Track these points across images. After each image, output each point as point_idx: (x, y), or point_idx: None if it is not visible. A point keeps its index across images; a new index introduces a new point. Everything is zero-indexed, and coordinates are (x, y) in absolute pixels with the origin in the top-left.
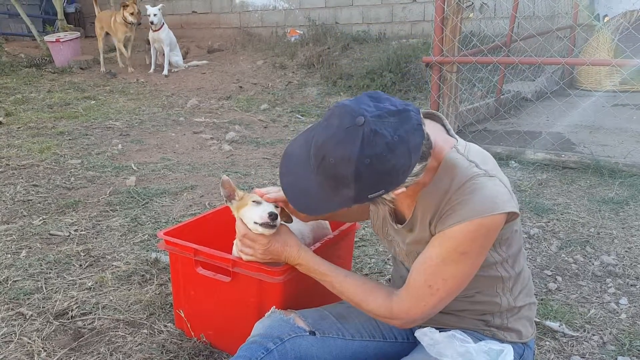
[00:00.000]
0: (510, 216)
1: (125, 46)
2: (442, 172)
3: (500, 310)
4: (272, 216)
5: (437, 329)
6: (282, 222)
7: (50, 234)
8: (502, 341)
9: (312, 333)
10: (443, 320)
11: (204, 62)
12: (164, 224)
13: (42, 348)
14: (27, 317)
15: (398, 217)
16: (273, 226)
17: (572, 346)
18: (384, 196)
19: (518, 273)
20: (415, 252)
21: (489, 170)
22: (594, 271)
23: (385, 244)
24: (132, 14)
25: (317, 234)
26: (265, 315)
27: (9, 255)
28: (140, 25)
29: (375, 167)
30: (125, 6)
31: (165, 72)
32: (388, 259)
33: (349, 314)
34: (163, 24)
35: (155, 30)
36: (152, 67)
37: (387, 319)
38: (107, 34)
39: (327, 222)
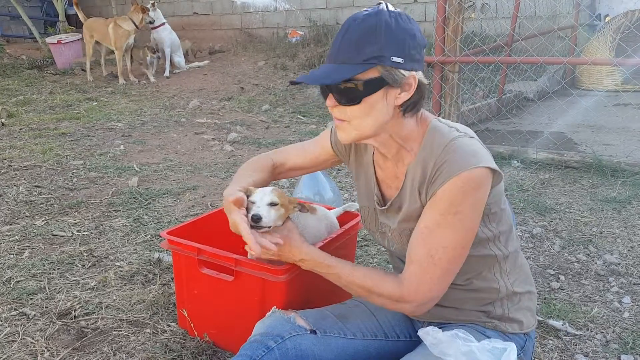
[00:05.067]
0: (496, 178)
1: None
2: (427, 139)
3: (500, 296)
4: (255, 218)
5: (439, 325)
6: (290, 219)
7: (52, 235)
8: (504, 333)
9: (313, 332)
10: (444, 314)
11: (205, 62)
12: (166, 224)
13: (45, 348)
14: (30, 317)
15: (386, 202)
16: (256, 227)
17: (576, 345)
18: (403, 72)
19: (512, 253)
20: (408, 229)
21: (468, 132)
22: (596, 270)
23: (378, 237)
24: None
25: (331, 231)
26: (266, 315)
27: (12, 256)
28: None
29: (402, 24)
30: (144, 9)
31: (166, 73)
32: None
33: (350, 314)
34: (163, 23)
35: (154, 28)
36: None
37: (398, 304)
38: (97, 42)
39: (336, 220)
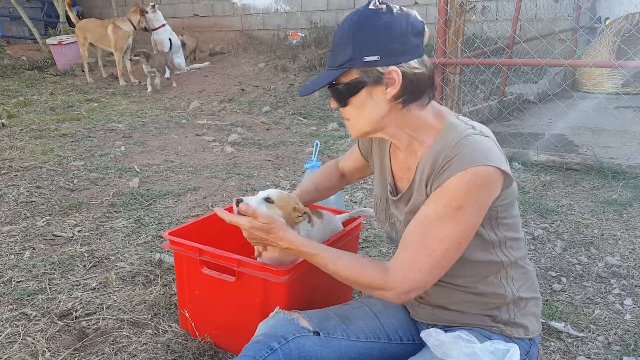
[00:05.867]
0: (506, 181)
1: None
2: (442, 134)
3: (506, 302)
4: (238, 201)
5: (444, 328)
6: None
7: (54, 235)
8: (509, 337)
9: (317, 333)
10: (449, 317)
11: (206, 64)
12: (167, 225)
13: (47, 348)
14: (31, 318)
15: (398, 192)
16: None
17: (578, 347)
18: (379, 69)
19: (518, 260)
20: None
21: (484, 131)
22: (598, 272)
23: (387, 228)
24: (145, 19)
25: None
26: (269, 315)
27: (13, 256)
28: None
29: (373, 20)
30: (143, 12)
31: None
32: None
33: (354, 315)
34: (164, 24)
35: (154, 29)
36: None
37: (382, 291)
38: (91, 44)
39: (341, 225)
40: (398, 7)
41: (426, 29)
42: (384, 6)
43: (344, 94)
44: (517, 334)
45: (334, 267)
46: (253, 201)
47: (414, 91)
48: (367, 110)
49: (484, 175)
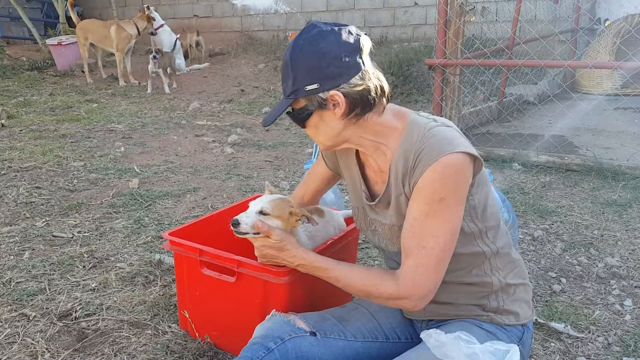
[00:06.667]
0: (477, 164)
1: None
2: (407, 132)
3: (494, 290)
4: (233, 222)
5: (438, 323)
6: (277, 226)
7: (53, 236)
8: (500, 325)
9: (313, 334)
10: (440, 310)
11: (206, 65)
12: (167, 225)
13: (46, 349)
14: (31, 318)
15: (374, 197)
16: (236, 232)
17: (578, 347)
18: (321, 96)
19: (501, 249)
20: (398, 225)
21: (446, 122)
22: (598, 273)
23: (369, 235)
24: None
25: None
26: (266, 318)
27: (12, 257)
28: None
29: (307, 51)
30: (150, 19)
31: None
32: None
33: (351, 316)
34: (162, 24)
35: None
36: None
37: (398, 301)
38: (91, 44)
39: (343, 221)
40: (330, 28)
41: (363, 41)
42: (315, 31)
43: (298, 119)
44: (508, 320)
45: (347, 280)
46: (248, 218)
47: (364, 105)
48: (322, 130)
49: (454, 163)
